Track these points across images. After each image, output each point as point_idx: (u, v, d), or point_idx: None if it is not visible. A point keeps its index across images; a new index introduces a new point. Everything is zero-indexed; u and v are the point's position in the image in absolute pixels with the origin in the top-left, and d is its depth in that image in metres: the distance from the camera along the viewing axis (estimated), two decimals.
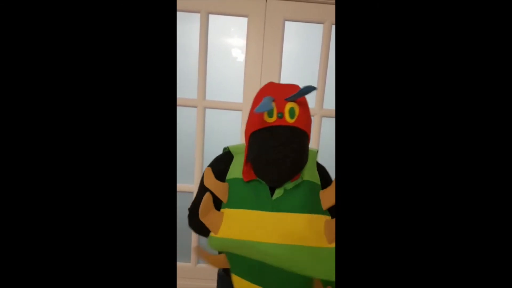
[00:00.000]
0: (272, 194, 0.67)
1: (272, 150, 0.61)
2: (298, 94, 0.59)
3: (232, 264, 0.69)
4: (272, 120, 0.61)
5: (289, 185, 0.67)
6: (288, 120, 0.61)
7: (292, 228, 0.64)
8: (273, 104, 0.61)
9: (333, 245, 0.65)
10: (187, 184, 1.36)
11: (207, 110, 1.31)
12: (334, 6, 1.20)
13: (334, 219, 0.65)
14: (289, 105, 0.62)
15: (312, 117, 1.28)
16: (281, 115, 0.61)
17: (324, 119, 1.30)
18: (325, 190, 0.68)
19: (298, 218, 0.65)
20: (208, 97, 1.30)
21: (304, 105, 0.65)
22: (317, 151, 0.77)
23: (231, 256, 0.68)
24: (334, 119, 1.29)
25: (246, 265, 0.67)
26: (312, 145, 1.32)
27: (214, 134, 1.36)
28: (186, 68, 1.27)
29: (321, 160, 1.32)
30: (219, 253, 0.72)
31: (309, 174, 0.70)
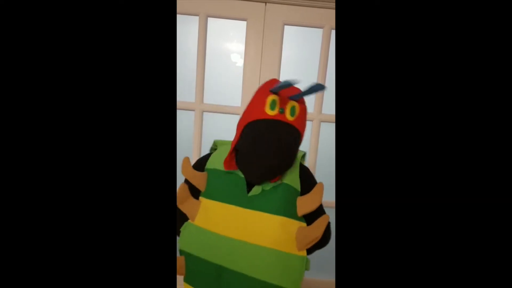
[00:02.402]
0: (249, 190, 0.66)
1: (268, 142, 0.61)
2: (308, 91, 0.58)
3: (188, 271, 0.68)
4: (273, 113, 0.61)
5: (267, 186, 0.66)
6: (288, 117, 0.61)
7: (264, 229, 0.64)
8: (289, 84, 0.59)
9: (303, 253, 0.64)
10: None
11: (205, 113, 1.30)
12: (333, 11, 1.20)
13: (308, 227, 0.64)
14: (291, 103, 0.62)
15: (311, 122, 1.28)
16: (282, 111, 0.61)
17: (323, 124, 1.29)
18: (303, 196, 0.67)
19: (272, 219, 0.64)
20: (206, 101, 1.29)
21: (304, 108, 0.65)
22: (304, 154, 0.76)
23: (190, 260, 0.67)
24: (333, 124, 1.29)
25: (202, 274, 0.66)
26: (310, 150, 1.31)
27: (211, 138, 1.35)
28: (184, 71, 1.27)
29: (319, 165, 1.30)
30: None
31: (290, 177, 0.69)
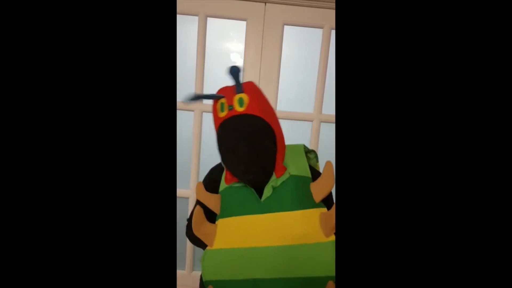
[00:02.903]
0: (260, 196, 0.66)
1: (226, 140, 0.63)
2: (234, 79, 0.63)
3: None
4: (223, 114, 0.63)
5: (275, 182, 0.66)
6: (238, 109, 0.63)
7: (285, 228, 0.63)
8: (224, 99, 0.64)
9: (332, 237, 0.63)
10: (183, 189, 1.34)
11: (204, 114, 1.29)
12: (333, 11, 1.20)
13: (329, 211, 0.64)
14: (237, 96, 0.63)
15: (311, 123, 1.28)
16: (231, 107, 0.63)
17: (322, 124, 1.29)
18: (315, 182, 0.67)
19: (291, 216, 0.63)
20: (205, 101, 1.28)
21: (254, 93, 0.66)
22: (304, 146, 0.76)
23: (219, 285, 0.65)
24: (333, 124, 1.28)
25: None
26: None
27: (211, 139, 1.34)
28: (184, 71, 1.26)
29: (319, 165, 1.30)
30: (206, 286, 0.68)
31: (297, 168, 0.68)
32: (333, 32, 1.22)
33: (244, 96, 0.63)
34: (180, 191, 1.33)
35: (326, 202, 0.67)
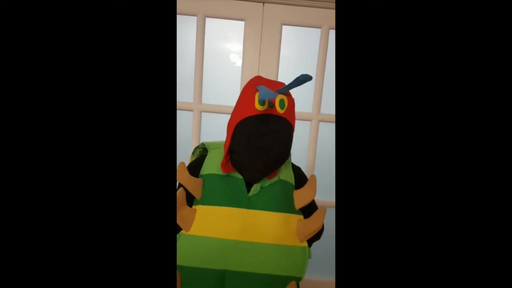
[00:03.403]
0: (248, 191, 0.67)
1: (263, 137, 0.61)
2: (294, 83, 0.58)
3: (186, 285, 0.65)
4: (263, 108, 0.61)
5: (266, 182, 0.67)
6: (279, 110, 0.62)
7: (266, 227, 0.65)
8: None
9: (305, 244, 0.67)
10: None
11: (203, 113, 1.29)
12: (332, 11, 1.20)
13: (306, 219, 0.67)
14: (280, 97, 0.62)
15: (309, 122, 1.28)
16: (272, 105, 0.62)
17: (321, 124, 1.29)
18: (299, 190, 0.69)
19: (273, 216, 0.66)
20: (204, 101, 1.28)
21: (292, 101, 0.66)
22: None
23: (187, 274, 0.64)
24: (332, 124, 1.29)
25: (203, 285, 0.64)
26: (310, 150, 1.30)
27: (210, 139, 1.34)
28: (183, 71, 1.26)
29: (318, 165, 1.31)
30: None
31: (285, 173, 0.71)
32: (332, 32, 1.23)
33: (285, 99, 0.63)
34: None
35: (304, 210, 0.70)
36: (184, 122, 1.31)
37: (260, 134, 0.61)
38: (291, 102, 0.65)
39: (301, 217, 0.69)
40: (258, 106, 0.61)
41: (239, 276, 0.63)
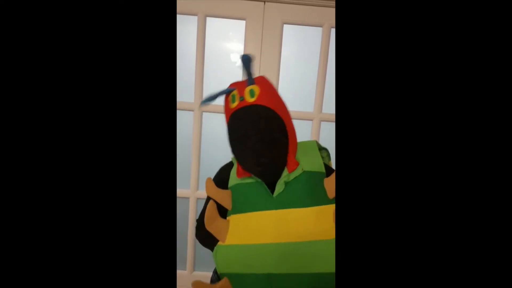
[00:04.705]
0: (272, 191, 0.65)
1: (236, 131, 0.63)
2: (245, 68, 0.62)
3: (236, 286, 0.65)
4: (234, 105, 0.63)
5: (288, 177, 0.65)
6: (249, 100, 0.63)
7: (298, 225, 0.63)
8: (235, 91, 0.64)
9: None
10: (183, 189, 1.33)
11: (204, 113, 1.29)
12: (332, 9, 1.19)
13: (330, 177, 0.65)
14: (248, 88, 0.63)
15: (311, 122, 1.27)
16: (242, 98, 0.63)
17: (323, 123, 1.28)
18: (329, 178, 0.66)
19: (304, 212, 0.63)
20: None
21: (265, 85, 0.65)
22: (316, 142, 0.76)
23: (234, 278, 0.65)
24: (333, 123, 1.28)
25: (251, 285, 0.64)
26: None
27: (211, 139, 1.34)
28: (183, 71, 1.26)
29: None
30: (218, 279, 0.68)
31: (310, 164, 0.68)
32: (333, 31, 1.22)
33: (255, 87, 0.63)
34: (180, 191, 1.33)
35: None
36: (184, 122, 1.31)
37: (233, 129, 0.64)
38: (265, 87, 0.65)
39: None
40: (230, 105, 0.64)
41: (284, 278, 0.62)
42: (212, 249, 0.69)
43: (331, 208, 0.64)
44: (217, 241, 0.67)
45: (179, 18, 1.18)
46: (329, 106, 1.28)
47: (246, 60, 0.61)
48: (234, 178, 0.70)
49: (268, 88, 0.65)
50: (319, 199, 0.64)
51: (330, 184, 0.65)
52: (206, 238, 0.69)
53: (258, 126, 0.61)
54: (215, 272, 0.74)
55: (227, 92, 0.65)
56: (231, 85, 0.68)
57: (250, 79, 0.63)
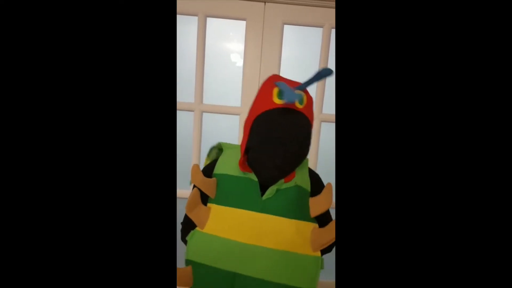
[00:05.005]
0: (262, 194, 0.65)
1: (283, 129, 0.60)
2: (315, 78, 0.56)
3: (197, 281, 0.65)
4: (281, 102, 0.60)
5: (281, 185, 0.65)
6: (298, 105, 0.60)
7: (279, 232, 0.63)
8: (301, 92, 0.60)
9: (318, 253, 0.65)
10: (183, 189, 1.33)
11: (204, 114, 1.29)
12: (333, 10, 1.20)
13: (322, 229, 0.65)
14: (299, 92, 0.61)
15: None
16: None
17: (323, 124, 1.29)
18: (315, 197, 0.67)
19: (287, 222, 0.64)
20: (205, 101, 1.28)
21: (310, 98, 0.64)
22: (307, 159, 0.76)
23: (199, 270, 0.65)
24: (333, 124, 1.28)
25: (213, 283, 0.64)
26: (310, 150, 1.30)
27: (211, 139, 1.34)
28: (184, 71, 1.26)
29: (319, 165, 1.30)
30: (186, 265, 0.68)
31: (301, 179, 0.68)
32: (333, 31, 1.22)
33: (304, 95, 0.62)
34: (180, 192, 1.33)
35: (319, 218, 0.68)
36: (185, 122, 1.31)
37: (280, 126, 0.60)
38: (310, 99, 0.64)
39: (316, 225, 0.67)
40: (276, 100, 0.60)
41: (248, 281, 0.62)
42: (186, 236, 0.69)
43: (310, 226, 0.66)
44: (194, 227, 0.67)
45: (179, 18, 1.18)
46: (329, 107, 1.28)
47: (325, 75, 0.54)
48: (223, 167, 0.69)
49: (311, 101, 0.65)
50: (302, 214, 0.65)
51: (314, 204, 0.66)
52: (184, 230, 0.69)
53: (298, 136, 0.61)
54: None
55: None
56: (278, 79, 0.64)
57: (304, 86, 0.58)
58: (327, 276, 1.38)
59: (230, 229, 0.64)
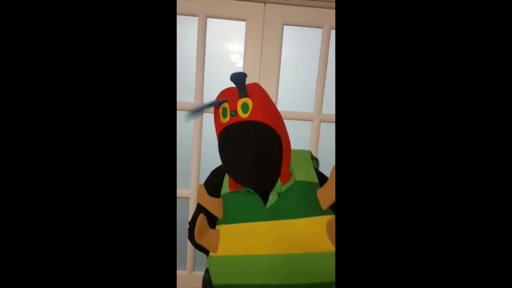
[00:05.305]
0: (265, 201, 0.65)
1: (229, 149, 0.61)
2: (237, 85, 0.58)
3: None
4: (226, 120, 0.60)
5: (281, 188, 0.64)
6: (242, 115, 0.59)
7: (291, 236, 0.62)
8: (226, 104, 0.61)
9: (332, 249, 0.62)
10: (183, 189, 1.33)
11: (204, 114, 1.29)
12: (332, 10, 1.20)
13: (322, 188, 0.64)
14: (241, 101, 0.60)
15: (311, 122, 1.28)
16: (234, 113, 0.60)
17: (322, 124, 1.29)
18: (322, 188, 0.65)
19: (297, 223, 0.62)
20: (205, 101, 1.28)
21: (259, 97, 0.62)
22: (310, 152, 0.75)
23: None
24: (333, 124, 1.28)
25: None
26: (311, 150, 1.30)
27: (211, 139, 1.34)
28: (184, 71, 1.26)
29: (320, 165, 1.30)
30: (210, 279, 0.68)
31: (303, 174, 0.67)
32: (333, 32, 1.22)
33: (248, 100, 0.60)
34: (180, 191, 1.33)
35: (334, 208, 0.65)
36: (185, 122, 1.31)
37: (226, 147, 0.61)
38: (260, 99, 0.61)
39: (332, 216, 0.63)
40: (222, 120, 0.61)
41: None
42: (205, 253, 0.68)
43: (325, 219, 0.63)
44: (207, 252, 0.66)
45: (179, 18, 1.18)
46: (329, 107, 1.28)
47: (238, 79, 0.58)
48: (226, 187, 0.69)
49: (262, 99, 0.62)
50: (311, 209, 0.63)
51: (323, 195, 0.64)
52: (198, 246, 0.69)
53: (253, 145, 0.59)
54: (206, 271, 0.74)
55: (217, 104, 0.62)
56: (221, 93, 0.65)
57: (242, 92, 0.59)
58: None
59: (242, 245, 0.63)
